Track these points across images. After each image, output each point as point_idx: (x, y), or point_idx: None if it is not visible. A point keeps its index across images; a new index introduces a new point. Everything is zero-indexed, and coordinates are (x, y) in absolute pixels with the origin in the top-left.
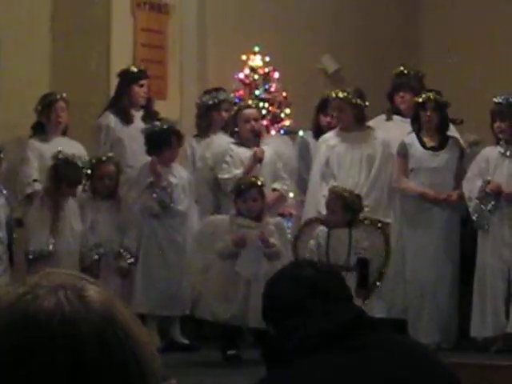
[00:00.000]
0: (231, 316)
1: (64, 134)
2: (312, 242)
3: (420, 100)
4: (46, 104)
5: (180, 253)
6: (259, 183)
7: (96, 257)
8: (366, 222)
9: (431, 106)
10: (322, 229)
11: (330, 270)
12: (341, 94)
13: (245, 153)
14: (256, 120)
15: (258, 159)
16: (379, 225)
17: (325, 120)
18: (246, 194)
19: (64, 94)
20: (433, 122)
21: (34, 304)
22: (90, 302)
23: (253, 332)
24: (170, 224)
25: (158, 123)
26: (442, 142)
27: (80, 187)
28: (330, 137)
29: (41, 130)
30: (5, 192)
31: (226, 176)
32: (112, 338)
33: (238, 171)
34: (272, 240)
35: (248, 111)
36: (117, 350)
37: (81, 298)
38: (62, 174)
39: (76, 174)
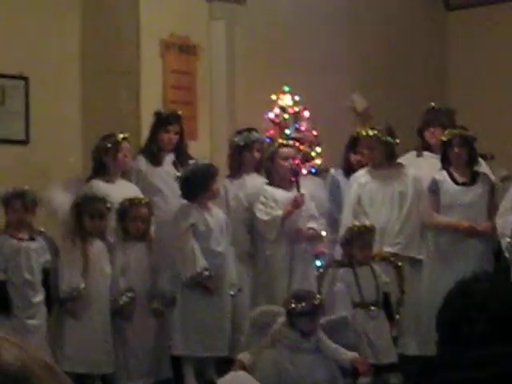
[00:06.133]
0: None
1: (123, 175)
2: (339, 284)
3: (445, 138)
4: (113, 144)
5: (219, 293)
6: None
7: (126, 300)
8: (391, 258)
9: (458, 143)
10: (344, 270)
11: None
12: (371, 133)
13: (279, 194)
14: (293, 159)
15: (297, 205)
16: (392, 259)
17: (355, 158)
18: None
19: (127, 135)
20: (462, 159)
21: None
22: (3, 364)
23: None
24: (209, 265)
25: (189, 169)
26: (473, 177)
27: (112, 229)
28: (361, 175)
29: (102, 170)
30: (41, 237)
31: (266, 218)
32: None
33: (276, 213)
34: None
35: (286, 150)
36: None
37: None
38: (82, 207)
39: (95, 205)
